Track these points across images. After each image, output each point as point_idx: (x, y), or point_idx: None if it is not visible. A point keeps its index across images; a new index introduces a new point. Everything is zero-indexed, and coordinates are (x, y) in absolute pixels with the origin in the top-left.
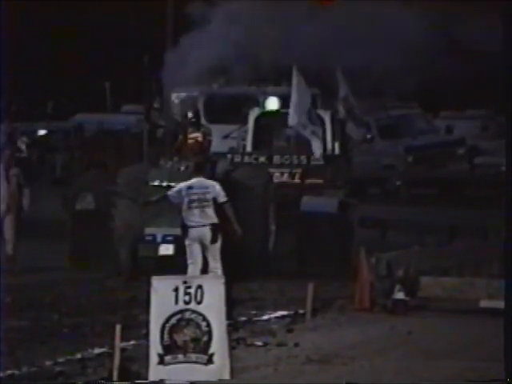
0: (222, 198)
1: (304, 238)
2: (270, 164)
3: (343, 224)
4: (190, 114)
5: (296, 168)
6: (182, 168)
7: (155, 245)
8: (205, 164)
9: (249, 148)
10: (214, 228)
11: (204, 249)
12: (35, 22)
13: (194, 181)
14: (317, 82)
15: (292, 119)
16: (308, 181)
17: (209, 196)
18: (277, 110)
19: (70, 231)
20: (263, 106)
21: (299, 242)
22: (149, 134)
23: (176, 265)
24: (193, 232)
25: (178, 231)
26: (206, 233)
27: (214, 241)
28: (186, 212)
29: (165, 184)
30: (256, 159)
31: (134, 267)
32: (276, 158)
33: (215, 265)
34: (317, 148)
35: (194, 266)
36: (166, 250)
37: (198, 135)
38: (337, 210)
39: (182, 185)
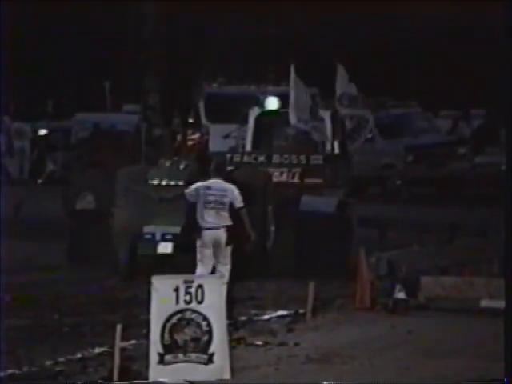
0: (240, 203)
1: (303, 238)
2: (269, 163)
3: (342, 224)
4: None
5: (295, 167)
6: (182, 166)
7: (154, 243)
8: (224, 165)
9: (248, 147)
10: (229, 230)
11: (215, 251)
12: (35, 22)
13: (212, 181)
14: (316, 81)
15: (292, 117)
16: (307, 180)
17: (226, 199)
18: (276, 110)
19: (71, 230)
20: (263, 106)
21: (298, 241)
22: (149, 133)
23: (175, 263)
24: (207, 233)
25: (177, 230)
26: (221, 235)
27: (228, 243)
28: (201, 212)
29: (164, 182)
30: (255, 159)
31: (132, 266)
32: (275, 158)
33: (224, 268)
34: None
35: (203, 268)
36: (165, 248)
37: (197, 136)
38: (336, 210)
39: (200, 184)
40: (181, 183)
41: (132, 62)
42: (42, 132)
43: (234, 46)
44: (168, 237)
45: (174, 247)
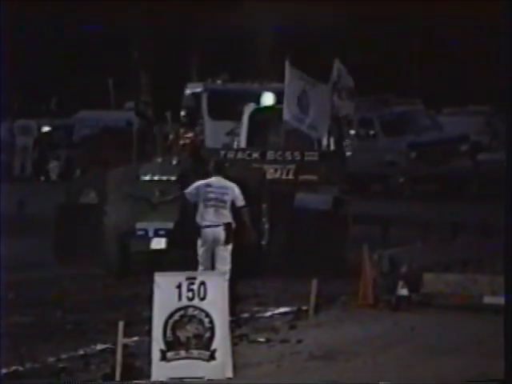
0: (241, 201)
1: (298, 236)
2: (263, 160)
3: (337, 221)
4: (182, 114)
5: (290, 164)
6: (174, 162)
7: (147, 239)
8: (224, 164)
9: (243, 144)
10: (228, 228)
11: (215, 250)
12: (38, 19)
13: (212, 179)
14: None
15: (286, 113)
16: (302, 177)
17: (226, 197)
18: (272, 106)
19: (73, 227)
20: (258, 102)
21: (293, 239)
22: (148, 130)
23: (168, 259)
24: (207, 232)
25: (170, 225)
26: (220, 232)
27: (227, 241)
28: (201, 210)
29: (156, 178)
30: (249, 155)
31: (125, 262)
32: (269, 154)
33: (224, 268)
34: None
35: (204, 266)
36: (159, 244)
37: (190, 135)
38: (331, 207)
39: (200, 182)
40: (173, 178)
41: (133, 60)
42: (45, 129)
43: (235, 43)
44: (161, 232)
45: (168, 243)
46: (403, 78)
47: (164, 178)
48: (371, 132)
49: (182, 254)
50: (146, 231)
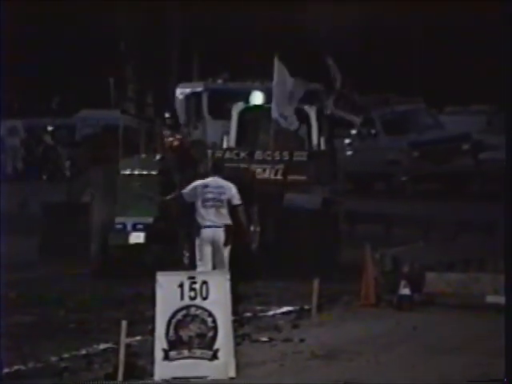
0: (237, 200)
1: (286, 236)
2: (251, 160)
3: (327, 221)
4: (166, 115)
5: (278, 164)
6: (158, 157)
7: (125, 233)
8: (222, 164)
9: (232, 143)
10: (228, 229)
11: (213, 250)
12: (39, 19)
13: (209, 180)
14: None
15: (274, 112)
16: (290, 177)
17: (223, 197)
18: (261, 105)
19: (72, 226)
20: (247, 101)
21: (281, 239)
22: (147, 129)
23: (147, 253)
24: (206, 232)
25: (148, 220)
26: (220, 233)
27: (226, 243)
28: (200, 211)
29: (136, 172)
30: (237, 155)
31: (104, 257)
32: (258, 154)
33: (223, 269)
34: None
35: (203, 266)
36: (137, 238)
37: (177, 137)
38: (320, 207)
39: (198, 183)
40: (154, 173)
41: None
42: (48, 129)
43: (236, 42)
44: (139, 227)
45: (146, 237)
46: (405, 77)
47: (144, 172)
48: (373, 131)
49: (162, 249)
50: (125, 225)
